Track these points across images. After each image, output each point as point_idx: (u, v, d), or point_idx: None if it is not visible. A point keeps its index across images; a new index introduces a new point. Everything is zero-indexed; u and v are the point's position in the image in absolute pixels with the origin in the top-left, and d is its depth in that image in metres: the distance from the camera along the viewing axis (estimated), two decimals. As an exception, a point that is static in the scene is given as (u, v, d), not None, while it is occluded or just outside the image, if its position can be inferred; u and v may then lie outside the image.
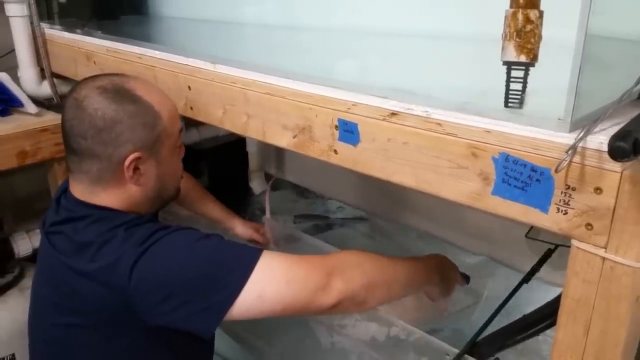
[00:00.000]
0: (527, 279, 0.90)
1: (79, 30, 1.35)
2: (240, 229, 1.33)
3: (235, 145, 1.68)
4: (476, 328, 0.80)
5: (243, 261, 0.76)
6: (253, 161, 1.71)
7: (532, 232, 1.04)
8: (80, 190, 0.86)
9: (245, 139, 1.68)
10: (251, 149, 1.69)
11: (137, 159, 0.83)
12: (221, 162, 1.63)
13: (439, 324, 0.99)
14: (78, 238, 0.82)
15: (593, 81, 0.54)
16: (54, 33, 1.42)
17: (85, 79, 0.88)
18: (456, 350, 0.76)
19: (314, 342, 0.96)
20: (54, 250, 0.84)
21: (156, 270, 0.76)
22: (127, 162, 0.82)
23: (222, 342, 0.95)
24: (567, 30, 0.51)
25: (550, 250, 0.97)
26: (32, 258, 1.49)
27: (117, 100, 0.83)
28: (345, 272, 0.78)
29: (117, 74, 0.90)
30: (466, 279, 1.00)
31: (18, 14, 1.42)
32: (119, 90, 0.84)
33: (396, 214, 1.45)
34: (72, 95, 0.85)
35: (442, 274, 0.93)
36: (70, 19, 1.48)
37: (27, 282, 1.42)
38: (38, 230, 1.56)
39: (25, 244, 1.52)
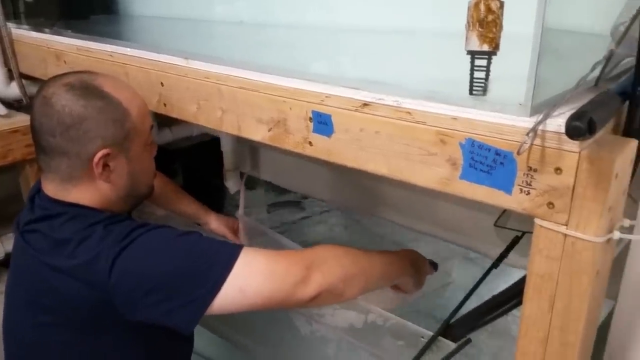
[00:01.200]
0: (496, 264, 0.93)
1: (47, 30, 1.33)
2: (215, 224, 1.34)
3: (209, 144, 1.68)
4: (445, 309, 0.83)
5: (224, 256, 0.77)
6: (228, 160, 1.71)
7: (500, 221, 1.08)
8: (53, 189, 0.86)
9: (220, 138, 1.69)
10: (226, 148, 1.70)
11: (106, 155, 0.83)
12: (195, 161, 1.63)
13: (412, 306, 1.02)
14: (55, 235, 0.82)
15: (551, 70, 0.58)
16: (22, 33, 1.41)
17: (54, 77, 0.88)
18: (430, 333, 0.79)
19: (294, 332, 0.98)
20: (30, 248, 0.84)
21: (137, 266, 0.77)
22: (96, 159, 0.83)
23: (199, 336, 0.95)
24: (525, 27, 0.55)
25: (518, 237, 1.01)
26: (5, 263, 1.47)
27: (85, 96, 0.83)
28: (324, 266, 0.79)
29: (85, 71, 0.91)
30: (434, 266, 1.03)
31: (-17, 15, 1.40)
32: (87, 86, 0.84)
33: (372, 209, 1.48)
34: (40, 93, 0.85)
35: (415, 267, 0.96)
36: (38, 19, 1.46)
37: (1, 287, 1.40)
38: (11, 235, 1.54)
39: (-4, 248, 1.49)
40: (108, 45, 1.12)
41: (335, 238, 1.43)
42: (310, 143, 0.76)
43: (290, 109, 0.77)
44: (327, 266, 0.80)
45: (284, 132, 0.79)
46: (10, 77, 1.49)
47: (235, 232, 1.34)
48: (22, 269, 0.88)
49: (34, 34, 1.37)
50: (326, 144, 0.74)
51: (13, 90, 1.50)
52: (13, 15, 1.50)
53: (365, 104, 0.68)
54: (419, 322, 0.85)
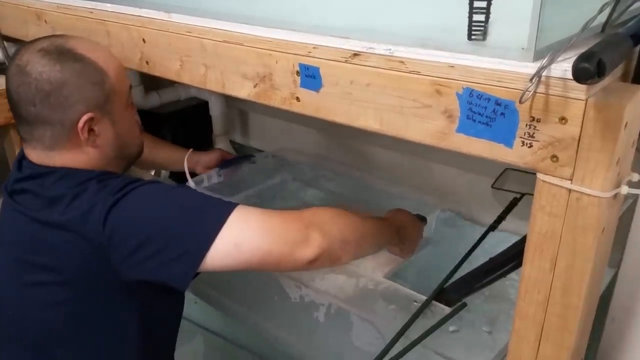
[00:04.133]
0: (493, 226, 0.90)
1: (26, -11, 1.27)
2: (205, 159, 1.32)
3: (197, 109, 1.63)
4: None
5: (218, 209, 0.76)
6: (217, 125, 1.66)
7: (497, 183, 1.04)
8: (37, 157, 0.83)
9: (208, 103, 1.64)
10: (214, 112, 1.65)
11: (90, 119, 0.81)
12: (183, 126, 1.58)
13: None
14: (47, 193, 0.79)
15: (555, 13, 0.53)
16: (0, -7, 1.34)
17: (26, 44, 0.84)
18: (424, 297, 0.76)
19: (283, 296, 0.95)
20: (20, 207, 0.82)
21: (131, 216, 0.75)
22: (80, 124, 0.80)
23: (186, 302, 0.93)
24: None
25: (516, 199, 0.98)
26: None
27: (61, 60, 0.80)
28: (323, 226, 0.77)
29: (57, 35, 0.87)
30: (423, 220, 1.01)
31: (-42, -26, 1.33)
32: (62, 50, 0.81)
33: (364, 171, 1.43)
34: (14, 62, 0.82)
35: (403, 234, 0.94)
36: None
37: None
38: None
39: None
40: (88, 1, 1.06)
41: (294, 191, 1.39)
42: (297, 99, 0.72)
43: (277, 62, 0.72)
44: (327, 227, 0.77)
45: (270, 87, 0.75)
46: (-9, 40, 1.43)
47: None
48: (9, 230, 0.85)
49: (13, -7, 1.30)
50: (314, 99, 0.70)
51: (-5, 53, 1.44)
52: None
53: (356, 54, 0.64)
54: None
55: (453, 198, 1.25)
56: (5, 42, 1.42)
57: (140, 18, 0.92)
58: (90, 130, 0.82)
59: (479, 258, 0.83)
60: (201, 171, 1.34)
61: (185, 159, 1.26)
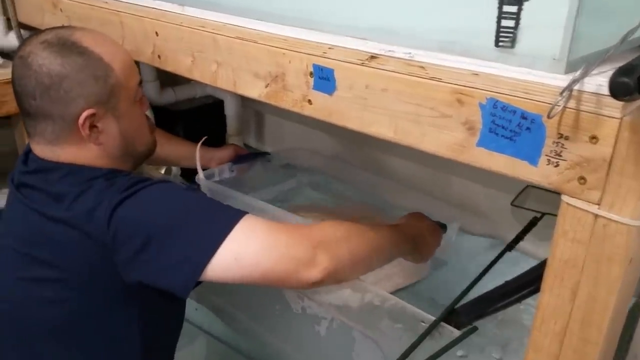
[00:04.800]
0: (510, 246, 0.85)
1: (44, -24, 1.26)
2: (219, 153, 1.29)
3: (212, 107, 1.60)
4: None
5: (224, 218, 0.73)
6: (231, 126, 1.64)
7: (517, 200, 0.99)
8: (41, 152, 0.81)
9: (224, 102, 1.61)
10: (229, 112, 1.62)
11: (92, 115, 0.78)
12: (197, 124, 1.55)
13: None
14: (52, 189, 0.77)
15: (590, 23, 0.49)
16: (19, -21, 1.33)
17: (31, 35, 0.82)
18: (432, 318, 0.72)
19: (285, 306, 0.91)
20: (26, 200, 0.79)
21: (137, 215, 0.72)
22: (80, 120, 0.77)
23: (189, 307, 0.90)
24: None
25: (536, 218, 0.93)
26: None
27: (63, 53, 0.77)
28: (332, 247, 0.73)
29: (64, 27, 0.85)
30: (443, 227, 0.96)
31: (-21, -40, 1.33)
32: (65, 43, 0.78)
33: (379, 177, 1.39)
34: (18, 53, 0.80)
35: (419, 242, 0.88)
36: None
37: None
38: (5, 190, 1.49)
39: (-10, 204, 1.44)
40: (104, -9, 1.04)
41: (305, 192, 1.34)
42: (309, 101, 0.68)
43: (290, 62, 0.69)
44: (336, 248, 0.73)
45: (281, 88, 0.71)
46: (9, 26, 1.42)
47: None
48: (17, 224, 0.82)
49: (32, -19, 1.29)
50: (327, 103, 0.66)
51: (11, 40, 1.43)
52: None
53: (373, 57, 0.60)
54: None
55: (470, 213, 1.20)
56: (21, 30, 1.41)
57: (154, 10, 0.89)
58: (93, 127, 0.79)
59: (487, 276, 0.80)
60: (215, 167, 1.29)
61: (198, 150, 1.20)
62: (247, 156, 1.36)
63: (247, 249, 0.70)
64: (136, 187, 0.74)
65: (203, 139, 1.23)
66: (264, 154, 1.42)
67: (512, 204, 0.97)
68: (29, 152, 0.84)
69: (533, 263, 0.74)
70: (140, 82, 0.87)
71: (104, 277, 0.75)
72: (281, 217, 1.00)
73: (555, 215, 0.92)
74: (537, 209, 0.95)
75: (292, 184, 1.36)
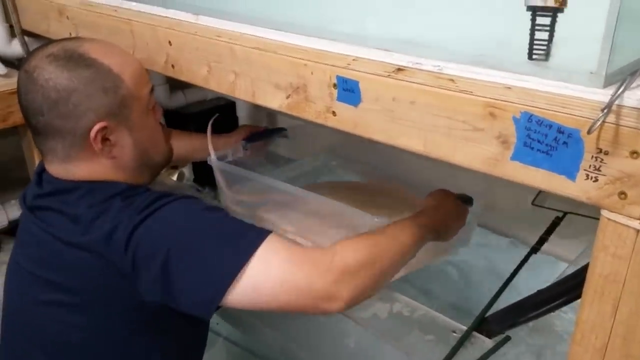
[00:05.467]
0: (535, 248, 0.85)
1: (50, -17, 1.24)
2: (232, 138, 1.22)
3: (224, 109, 1.58)
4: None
5: (244, 241, 0.70)
6: (243, 127, 1.62)
7: (538, 199, 0.98)
8: (55, 171, 0.80)
9: (235, 103, 1.59)
10: (241, 113, 1.60)
11: (104, 128, 0.76)
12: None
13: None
14: (70, 211, 0.75)
15: (629, 32, 0.48)
16: (23, -14, 1.32)
17: (37, 48, 0.80)
18: (464, 327, 0.71)
19: (308, 318, 0.90)
20: (42, 223, 0.78)
21: (154, 237, 0.70)
22: (92, 134, 0.75)
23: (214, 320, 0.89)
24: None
25: (559, 218, 0.92)
26: (9, 231, 1.42)
27: (69, 67, 0.75)
28: (355, 277, 0.69)
29: (71, 38, 0.84)
30: (469, 202, 0.91)
31: (-18, -35, 1.31)
32: (71, 55, 0.76)
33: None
34: (23, 67, 0.77)
35: (441, 228, 0.84)
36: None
37: (3, 256, 1.35)
38: (14, 202, 1.48)
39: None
40: (113, -1, 1.03)
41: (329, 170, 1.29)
42: (333, 113, 0.67)
43: (312, 73, 0.67)
44: (358, 277, 0.69)
45: (303, 99, 0.70)
46: (12, 34, 1.40)
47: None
48: (32, 246, 0.81)
49: (36, -13, 1.27)
50: (352, 115, 0.65)
51: (15, 48, 1.41)
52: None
53: (400, 69, 0.59)
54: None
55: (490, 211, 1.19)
56: (25, 37, 1.39)
57: (167, 19, 0.88)
58: (106, 140, 0.77)
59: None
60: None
61: (209, 128, 1.14)
62: (261, 133, 1.26)
63: (266, 281, 0.68)
64: (154, 207, 0.72)
65: (214, 117, 1.17)
66: (280, 130, 1.33)
67: (532, 203, 0.97)
68: (41, 172, 0.83)
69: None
70: (152, 89, 0.85)
71: (124, 301, 0.74)
72: (302, 196, 0.96)
73: (577, 214, 0.91)
74: (558, 209, 0.94)
75: (316, 162, 1.29)
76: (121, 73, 0.78)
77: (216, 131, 1.38)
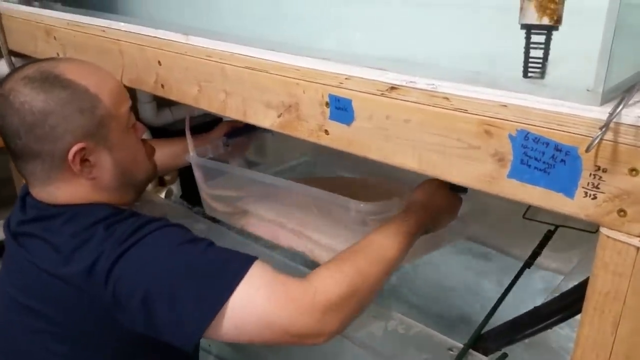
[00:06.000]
0: (529, 263, 0.85)
1: (36, 3, 1.24)
2: (213, 134, 1.17)
3: (211, 125, 1.58)
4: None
5: (225, 275, 0.68)
6: (231, 142, 1.62)
7: (529, 212, 0.98)
8: (36, 193, 0.78)
9: (222, 120, 1.59)
10: (229, 129, 1.60)
11: (82, 149, 0.75)
12: (196, 144, 1.53)
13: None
14: (53, 239, 0.73)
15: (625, 48, 0.48)
16: (9, 7, 1.30)
17: (13, 70, 0.79)
18: (460, 345, 0.70)
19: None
20: (26, 252, 0.76)
21: (133, 274, 0.68)
22: (70, 156, 0.74)
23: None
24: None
25: (551, 231, 0.92)
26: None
27: (45, 89, 0.74)
28: (339, 309, 0.67)
29: (47, 59, 0.81)
30: (464, 191, 0.85)
31: (-33, -13, 1.29)
32: (47, 77, 0.75)
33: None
34: None
35: (429, 223, 0.80)
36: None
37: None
38: (1, 222, 1.46)
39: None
40: (101, 19, 1.02)
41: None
42: (326, 131, 0.67)
43: (304, 92, 0.67)
44: (342, 309, 0.67)
45: (295, 118, 0.70)
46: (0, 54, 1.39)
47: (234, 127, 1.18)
48: (16, 272, 0.79)
49: (22, 7, 1.26)
50: (345, 133, 0.65)
51: (2, 68, 1.40)
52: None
53: (393, 88, 0.59)
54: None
55: (478, 224, 1.19)
56: (12, 58, 1.38)
57: (156, 39, 0.87)
58: (85, 161, 0.76)
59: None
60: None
61: (187, 122, 1.10)
62: (243, 129, 1.19)
63: (249, 321, 0.66)
64: (135, 237, 0.70)
65: (191, 114, 1.12)
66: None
67: (524, 217, 0.96)
68: (25, 196, 0.81)
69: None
70: (131, 107, 0.83)
71: (107, 331, 0.72)
72: (283, 186, 0.93)
73: (569, 227, 0.90)
74: (549, 222, 0.94)
75: (299, 160, 1.26)
76: (99, 93, 0.77)
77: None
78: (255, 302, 0.66)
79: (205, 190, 1.11)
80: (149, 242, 0.70)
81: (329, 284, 0.67)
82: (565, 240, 0.95)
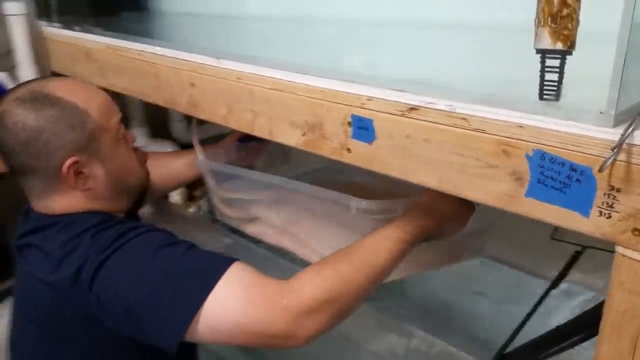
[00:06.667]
0: (555, 283, 0.84)
1: (77, 27, 1.30)
2: (225, 143, 1.16)
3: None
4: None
5: (202, 281, 0.70)
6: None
7: (557, 233, 0.98)
8: (37, 206, 0.83)
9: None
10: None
11: (75, 163, 0.79)
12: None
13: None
14: (46, 247, 0.78)
15: (635, 70, 0.49)
16: (53, 31, 1.38)
17: (7, 92, 0.83)
18: (482, 363, 0.71)
19: (323, 353, 0.90)
20: (25, 262, 0.81)
21: (113, 284, 0.72)
22: (64, 169, 0.78)
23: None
24: (604, 21, 0.46)
25: (578, 252, 0.92)
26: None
27: (35, 107, 0.78)
28: (313, 316, 0.67)
29: (37, 79, 0.86)
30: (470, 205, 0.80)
31: (16, 12, 1.37)
32: (37, 96, 0.79)
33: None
34: None
35: (429, 234, 0.78)
36: (69, 16, 1.43)
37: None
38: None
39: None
40: (137, 43, 1.07)
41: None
42: (348, 150, 0.69)
43: (327, 112, 0.70)
44: (317, 317, 0.67)
45: (319, 137, 0.72)
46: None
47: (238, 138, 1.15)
48: (21, 283, 0.85)
49: (65, 32, 1.33)
50: (367, 151, 0.67)
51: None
52: (45, 13, 1.47)
53: (413, 108, 0.61)
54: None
55: (502, 243, 1.19)
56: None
57: (190, 63, 0.91)
58: (79, 173, 0.80)
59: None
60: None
61: (193, 125, 1.10)
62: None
63: (222, 324, 0.68)
64: (117, 244, 0.73)
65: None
66: None
67: (551, 237, 0.96)
68: (28, 210, 0.86)
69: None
70: (120, 119, 0.87)
71: (102, 337, 0.76)
72: (292, 188, 0.91)
73: (597, 249, 0.90)
74: (577, 243, 0.94)
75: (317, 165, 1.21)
76: (87, 108, 0.80)
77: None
78: (229, 303, 0.68)
79: (216, 192, 1.09)
80: (129, 249, 0.73)
81: (306, 287, 0.68)
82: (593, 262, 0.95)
